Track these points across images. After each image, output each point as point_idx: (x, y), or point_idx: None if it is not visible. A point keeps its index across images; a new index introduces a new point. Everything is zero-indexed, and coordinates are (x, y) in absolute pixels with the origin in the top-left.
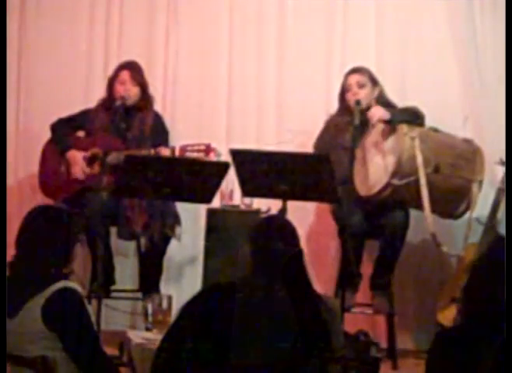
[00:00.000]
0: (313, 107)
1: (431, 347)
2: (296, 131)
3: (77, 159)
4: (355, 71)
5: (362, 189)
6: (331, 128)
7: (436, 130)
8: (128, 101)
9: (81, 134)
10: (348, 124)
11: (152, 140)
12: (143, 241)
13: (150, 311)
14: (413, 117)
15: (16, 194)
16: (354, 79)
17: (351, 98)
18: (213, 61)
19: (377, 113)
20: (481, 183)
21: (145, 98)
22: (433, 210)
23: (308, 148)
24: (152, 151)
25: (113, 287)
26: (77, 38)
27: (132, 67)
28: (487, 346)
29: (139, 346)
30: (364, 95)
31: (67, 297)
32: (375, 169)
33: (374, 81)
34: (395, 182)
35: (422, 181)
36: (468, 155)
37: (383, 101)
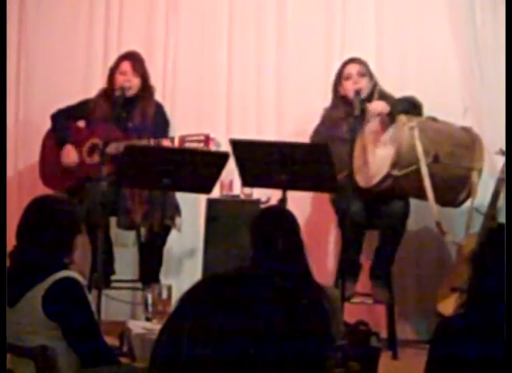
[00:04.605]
0: (313, 98)
1: (433, 337)
2: (295, 122)
3: (70, 155)
4: (354, 60)
5: (362, 181)
6: (327, 122)
7: (434, 120)
8: (128, 91)
9: (81, 123)
10: (346, 116)
11: (153, 130)
12: (143, 231)
13: (150, 301)
14: (411, 107)
15: (16, 185)
16: (354, 68)
17: (351, 87)
18: (213, 51)
19: (378, 107)
20: (480, 171)
21: (146, 88)
22: (434, 200)
23: (308, 137)
24: (152, 142)
25: (113, 278)
26: (77, 28)
27: (133, 58)
28: (490, 335)
29: (139, 336)
30: (364, 84)
31: (67, 286)
32: (374, 159)
33: (370, 73)
34: (395, 172)
35: (424, 171)
36: (468, 143)
37: (379, 92)
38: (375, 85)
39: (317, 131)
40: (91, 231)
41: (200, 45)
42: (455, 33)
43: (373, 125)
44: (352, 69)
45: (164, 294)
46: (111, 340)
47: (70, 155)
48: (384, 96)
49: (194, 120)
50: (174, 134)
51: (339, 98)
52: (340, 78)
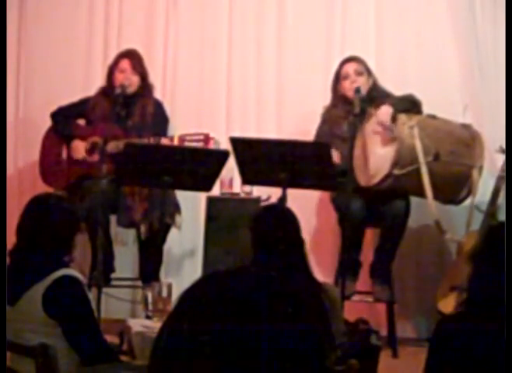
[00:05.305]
0: (313, 97)
1: (433, 335)
2: (295, 121)
3: (79, 149)
4: (351, 59)
5: (362, 180)
6: (327, 120)
7: (434, 117)
8: (128, 89)
9: (81, 122)
10: (346, 114)
11: (153, 127)
12: (143, 229)
13: (150, 299)
14: (411, 106)
15: (16, 183)
16: (352, 67)
17: (349, 86)
18: (213, 50)
19: (385, 115)
20: (481, 168)
21: (145, 86)
22: (435, 197)
23: (308, 136)
24: (152, 140)
25: (113, 276)
26: (76, 26)
27: (132, 56)
28: (490, 333)
29: (139, 335)
30: (362, 82)
31: (67, 284)
32: (375, 159)
33: (369, 71)
34: (396, 172)
35: (423, 170)
36: (468, 140)
37: (378, 90)
38: (374, 82)
39: (320, 131)
40: (91, 230)
41: (200, 44)
42: (455, 31)
43: (372, 124)
44: (350, 68)
45: (164, 293)
46: (111, 338)
47: (78, 150)
48: (384, 95)
49: (194, 119)
50: (174, 133)
51: (339, 97)
52: (338, 77)
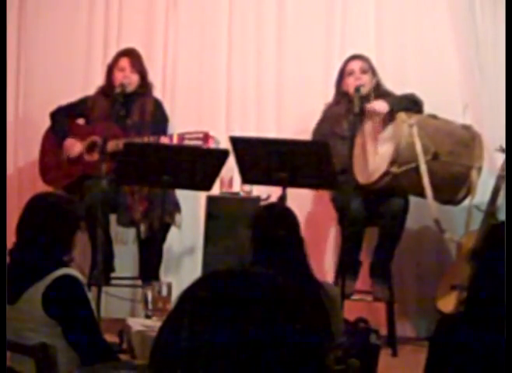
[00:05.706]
0: (313, 96)
1: (433, 334)
2: (295, 120)
3: (74, 146)
4: (357, 57)
5: (361, 177)
6: (328, 118)
7: (434, 117)
8: (127, 88)
9: (81, 121)
10: (347, 112)
11: (153, 126)
12: (143, 228)
13: (150, 298)
14: (411, 105)
15: (16, 182)
16: (357, 65)
17: (352, 83)
18: (213, 49)
19: (376, 106)
20: (480, 169)
21: (145, 85)
22: (433, 198)
23: (308, 135)
24: (151, 139)
25: (112, 275)
26: (76, 25)
27: (131, 55)
28: (490, 333)
29: (139, 334)
30: (366, 81)
31: (67, 284)
32: (374, 156)
33: (373, 70)
34: (394, 170)
35: (423, 168)
36: (467, 141)
37: (380, 90)
38: (378, 82)
39: (319, 127)
40: (91, 229)
41: (200, 44)
42: (455, 30)
43: (372, 123)
44: (355, 65)
45: (164, 292)
46: (111, 338)
47: (74, 146)
48: (385, 94)
49: (194, 118)
50: (174, 131)
51: (342, 94)
52: (343, 74)
